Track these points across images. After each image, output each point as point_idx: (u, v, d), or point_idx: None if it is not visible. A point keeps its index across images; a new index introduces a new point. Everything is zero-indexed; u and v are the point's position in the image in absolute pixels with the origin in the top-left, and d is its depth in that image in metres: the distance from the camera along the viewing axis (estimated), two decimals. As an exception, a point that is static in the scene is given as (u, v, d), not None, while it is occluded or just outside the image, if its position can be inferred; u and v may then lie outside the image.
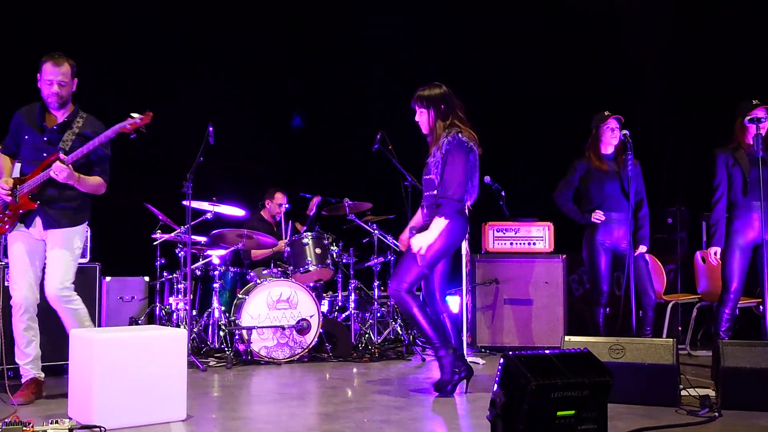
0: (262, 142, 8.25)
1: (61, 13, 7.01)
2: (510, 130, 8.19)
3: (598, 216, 5.52)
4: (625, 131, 5.29)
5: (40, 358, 4.25)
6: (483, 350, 6.30)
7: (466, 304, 5.91)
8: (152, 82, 7.57)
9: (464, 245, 5.76)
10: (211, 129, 5.53)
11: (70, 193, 4.14)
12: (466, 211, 4.50)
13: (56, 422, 3.11)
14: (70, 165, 3.95)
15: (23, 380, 4.19)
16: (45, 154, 4.08)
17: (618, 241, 5.52)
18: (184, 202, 5.58)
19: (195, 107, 7.70)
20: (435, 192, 4.32)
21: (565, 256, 6.43)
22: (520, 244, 6.53)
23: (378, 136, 6.16)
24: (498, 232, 6.56)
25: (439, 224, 4.22)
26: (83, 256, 5.11)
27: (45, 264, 4.17)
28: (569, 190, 5.74)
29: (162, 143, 7.34)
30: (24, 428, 3.00)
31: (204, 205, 6.13)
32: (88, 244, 5.16)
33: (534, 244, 6.52)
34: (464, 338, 5.84)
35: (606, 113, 5.57)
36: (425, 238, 4.22)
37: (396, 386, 4.78)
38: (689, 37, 7.80)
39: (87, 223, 4.35)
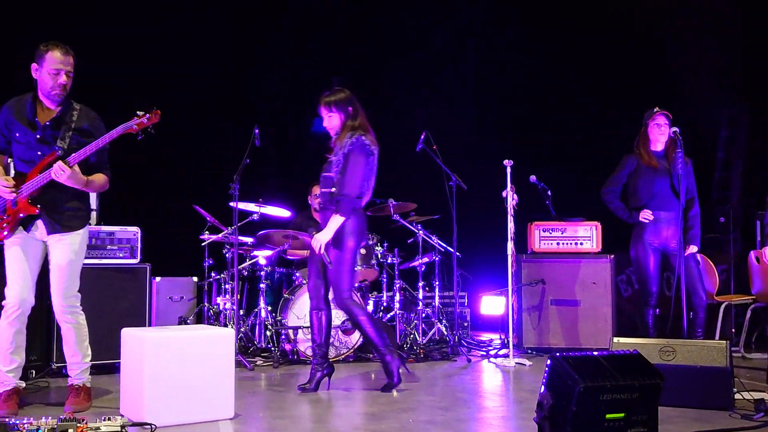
0: (307, 143, 8.29)
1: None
2: (556, 126, 8.09)
3: (646, 215, 5.42)
4: (674, 128, 5.19)
5: (22, 367, 3.93)
6: (529, 351, 6.23)
7: (512, 305, 5.86)
8: (198, 84, 7.68)
9: (510, 245, 5.72)
10: (257, 131, 5.59)
11: (73, 195, 3.89)
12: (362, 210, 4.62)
13: (108, 419, 3.17)
14: (74, 166, 3.70)
15: (2, 390, 3.82)
16: (39, 153, 3.78)
17: (667, 241, 5.41)
18: (231, 204, 5.65)
19: (240, 109, 7.80)
20: (332, 189, 4.43)
21: (613, 256, 6.33)
22: (567, 244, 6.45)
23: (422, 136, 6.17)
24: (544, 232, 6.49)
25: (336, 221, 4.37)
26: (133, 256, 5.23)
27: (44, 268, 3.93)
28: (617, 186, 5.65)
29: (210, 146, 7.47)
30: (78, 425, 3.06)
31: (251, 207, 6.21)
32: (139, 245, 5.25)
33: (581, 244, 6.43)
34: (511, 339, 5.81)
35: (655, 109, 5.47)
36: (323, 236, 4.38)
37: (441, 387, 4.77)
38: (745, 30, 7.61)
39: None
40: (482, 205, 7.26)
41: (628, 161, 5.61)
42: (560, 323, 6.30)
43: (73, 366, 4.01)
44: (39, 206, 3.77)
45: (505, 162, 5.75)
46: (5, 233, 3.79)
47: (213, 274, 6.54)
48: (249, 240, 6.48)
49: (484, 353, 6.19)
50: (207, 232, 6.35)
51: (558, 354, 2.79)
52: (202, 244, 6.34)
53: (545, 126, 8.05)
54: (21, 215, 3.78)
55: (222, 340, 3.72)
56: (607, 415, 2.73)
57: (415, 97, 8.68)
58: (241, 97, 8.05)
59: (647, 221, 5.42)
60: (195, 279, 6.57)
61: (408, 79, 8.74)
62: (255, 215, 6.27)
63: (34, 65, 3.77)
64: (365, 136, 4.48)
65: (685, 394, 3.94)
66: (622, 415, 2.75)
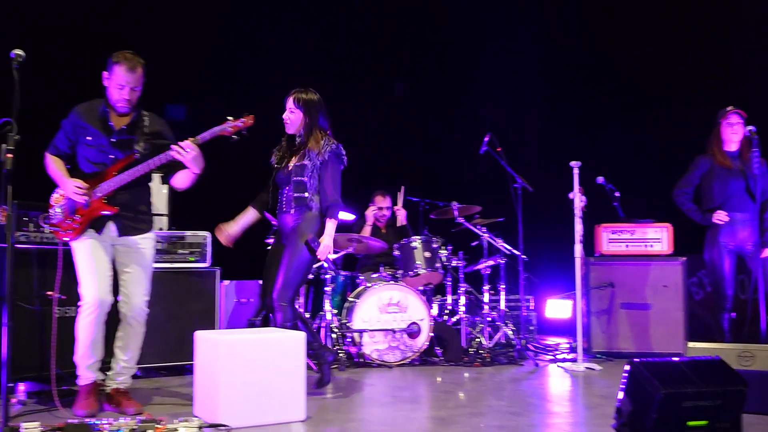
0: (370, 146, 8.33)
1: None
2: (624, 126, 7.90)
3: (720, 217, 5.27)
4: (750, 127, 5.03)
5: (100, 362, 3.97)
6: (599, 356, 6.11)
7: (581, 308, 5.75)
8: (264, 88, 7.78)
9: (578, 248, 5.62)
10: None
11: (143, 198, 4.01)
12: None
13: (185, 421, 3.24)
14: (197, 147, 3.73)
15: (82, 384, 3.90)
16: (112, 156, 3.83)
17: (743, 243, 5.25)
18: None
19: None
20: (307, 194, 4.35)
21: (685, 258, 6.15)
22: (636, 246, 6.30)
23: (486, 138, 6.13)
24: (612, 234, 6.36)
25: (333, 226, 4.41)
26: (204, 260, 5.33)
27: (117, 271, 3.97)
28: (690, 188, 5.50)
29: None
30: (157, 426, 3.13)
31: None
32: (209, 249, 5.34)
33: (651, 246, 6.28)
34: (580, 343, 5.70)
35: (728, 108, 5.31)
36: (328, 242, 4.36)
37: (510, 391, 4.71)
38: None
39: None
40: (547, 207, 7.16)
41: (701, 162, 5.46)
42: (630, 327, 6.15)
43: (127, 369, 4.05)
44: (117, 207, 3.81)
45: (572, 163, 5.66)
46: (75, 234, 3.80)
47: (279, 278, 6.61)
48: (314, 243, 6.52)
49: (552, 357, 6.10)
50: (272, 236, 6.42)
51: (637, 360, 2.72)
52: (268, 247, 6.41)
53: (613, 126, 7.87)
54: (94, 215, 3.79)
55: (294, 342, 3.76)
56: (689, 423, 2.66)
57: (479, 99, 8.62)
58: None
59: (722, 223, 5.26)
60: (261, 282, 6.65)
61: (471, 82, 8.69)
62: (320, 219, 6.32)
63: (105, 74, 3.84)
64: (341, 145, 4.53)
65: (766, 401, 3.80)
66: (704, 422, 2.67)
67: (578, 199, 5.64)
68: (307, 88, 4.47)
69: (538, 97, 8.55)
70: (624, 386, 2.71)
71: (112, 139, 3.85)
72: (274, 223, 6.21)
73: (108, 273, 3.86)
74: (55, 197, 3.88)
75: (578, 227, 5.64)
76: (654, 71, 7.89)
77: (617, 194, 6.28)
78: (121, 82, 3.77)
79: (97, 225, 3.84)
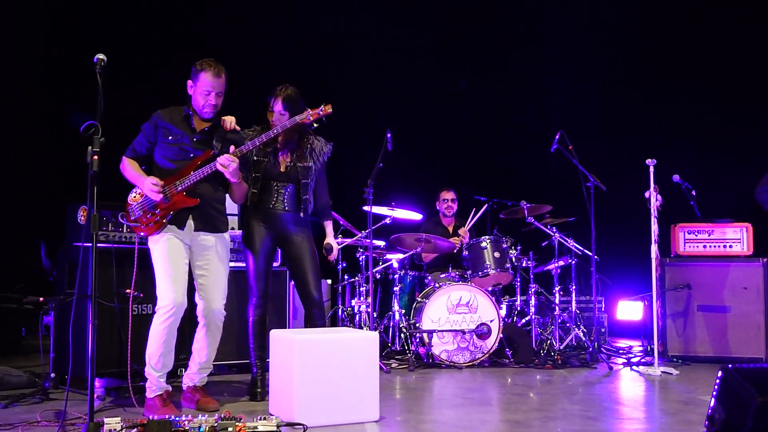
0: (437, 145, 8.29)
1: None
2: (701, 122, 7.63)
3: (805, 216, 5.03)
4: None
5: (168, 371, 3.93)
6: (675, 360, 5.92)
7: (657, 310, 5.58)
8: (330, 89, 7.83)
9: (654, 248, 5.46)
10: (389, 135, 5.60)
11: (220, 195, 4.06)
12: None
13: (264, 419, 3.25)
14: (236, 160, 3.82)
15: (152, 394, 3.84)
16: (192, 155, 3.91)
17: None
18: (365, 208, 5.70)
19: (372, 113, 7.88)
20: (307, 196, 4.40)
21: (766, 259, 5.91)
22: (714, 246, 6.09)
23: (557, 136, 6.00)
24: (689, 234, 6.16)
25: (332, 227, 4.70)
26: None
27: (193, 274, 3.98)
28: (774, 186, 5.27)
29: (343, 150, 7.58)
30: (237, 423, 3.16)
31: (383, 210, 6.25)
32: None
33: (730, 246, 6.05)
34: (656, 346, 5.54)
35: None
36: (335, 244, 4.69)
37: (584, 395, 4.60)
38: None
39: None
40: (617, 205, 6.98)
41: (785, 158, 5.23)
42: (707, 330, 5.95)
43: (204, 369, 4.08)
44: (198, 199, 3.87)
45: (648, 161, 5.50)
46: (156, 228, 3.83)
47: (346, 277, 6.64)
48: (381, 243, 6.53)
49: (625, 361, 5.94)
50: (340, 235, 6.45)
51: (730, 365, 2.61)
52: (338, 247, 6.44)
53: (689, 121, 7.61)
54: (175, 209, 3.83)
55: (367, 342, 3.75)
56: (787, 432, 2.52)
57: (547, 96, 8.48)
58: (372, 101, 8.13)
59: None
60: (329, 282, 6.69)
61: (539, 76, 8.55)
62: (387, 219, 6.31)
63: (189, 82, 3.95)
64: None
65: None
66: (803, 432, 2.53)
67: (654, 198, 5.47)
68: (289, 86, 4.34)
69: (609, 91, 8.33)
70: (716, 393, 2.59)
71: (194, 138, 3.95)
72: (342, 222, 6.25)
73: (185, 276, 3.89)
74: (133, 196, 3.96)
75: (654, 227, 5.47)
76: (735, 63, 7.58)
77: (694, 192, 6.08)
78: (207, 88, 3.87)
79: (178, 220, 3.87)
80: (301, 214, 4.38)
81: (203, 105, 3.91)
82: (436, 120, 8.51)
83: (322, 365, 3.58)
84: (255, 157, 4.34)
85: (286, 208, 4.38)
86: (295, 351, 3.55)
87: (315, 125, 4.06)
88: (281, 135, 4.26)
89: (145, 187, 3.84)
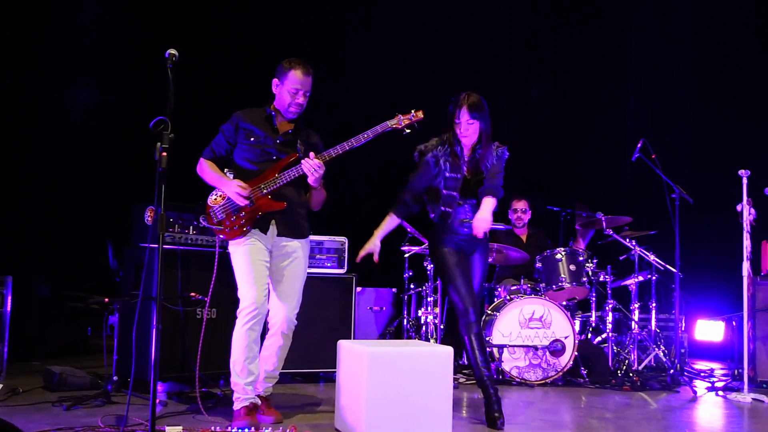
0: (508, 152, 8.01)
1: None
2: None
3: None
4: None
5: (257, 380, 3.80)
6: (766, 386, 5.50)
7: (747, 332, 5.20)
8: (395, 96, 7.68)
9: (746, 265, 5.09)
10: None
11: (304, 199, 3.92)
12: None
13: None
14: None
15: (238, 405, 3.69)
16: (275, 158, 3.80)
17: None
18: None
19: (438, 120, 7.67)
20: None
21: None
22: (810, 265, 5.65)
23: (639, 144, 5.69)
24: (782, 251, 5.74)
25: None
26: (341, 266, 5.22)
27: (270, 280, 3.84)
28: None
29: (410, 155, 7.40)
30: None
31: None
32: (346, 255, 5.23)
33: (827, 266, 5.61)
34: (746, 371, 5.15)
35: None
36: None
37: (670, 422, 4.27)
38: None
39: None
40: (699, 219, 6.59)
41: None
42: (801, 356, 5.52)
43: (270, 378, 3.91)
44: (285, 203, 3.74)
45: (741, 172, 5.14)
46: (239, 233, 3.72)
47: (412, 286, 6.44)
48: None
49: (710, 385, 5.55)
50: (407, 243, 6.25)
51: None
52: (404, 256, 6.25)
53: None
54: (261, 213, 3.73)
55: (441, 357, 3.52)
56: None
57: (626, 101, 8.10)
58: (439, 107, 7.92)
59: None
60: (395, 290, 6.50)
61: (618, 82, 8.18)
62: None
63: (275, 80, 3.83)
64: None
65: None
66: None
67: (747, 212, 5.11)
68: (471, 93, 4.08)
69: (693, 98, 7.90)
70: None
71: (277, 140, 3.83)
72: (409, 230, 6.05)
73: (266, 279, 3.77)
74: (213, 198, 3.84)
75: (746, 242, 5.11)
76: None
77: (787, 206, 5.66)
78: (296, 87, 3.76)
79: (261, 224, 3.76)
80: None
81: (290, 104, 3.80)
82: (506, 126, 8.25)
83: (393, 379, 3.37)
84: (449, 175, 4.01)
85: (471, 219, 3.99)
86: (366, 363, 3.35)
87: (407, 130, 3.83)
88: (465, 147, 4.02)
89: (231, 190, 3.71)
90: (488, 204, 3.89)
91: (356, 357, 3.48)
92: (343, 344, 3.72)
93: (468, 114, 3.97)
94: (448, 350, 3.58)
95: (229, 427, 3.10)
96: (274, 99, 3.88)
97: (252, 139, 3.81)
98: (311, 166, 3.66)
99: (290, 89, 3.77)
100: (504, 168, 4.09)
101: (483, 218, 3.85)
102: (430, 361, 3.49)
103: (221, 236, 3.79)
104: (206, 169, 3.87)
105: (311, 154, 3.71)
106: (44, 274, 6.21)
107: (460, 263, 4.02)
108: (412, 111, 3.84)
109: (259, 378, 3.84)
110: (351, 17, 7.58)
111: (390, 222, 4.18)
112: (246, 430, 3.10)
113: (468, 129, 3.98)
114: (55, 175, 6.29)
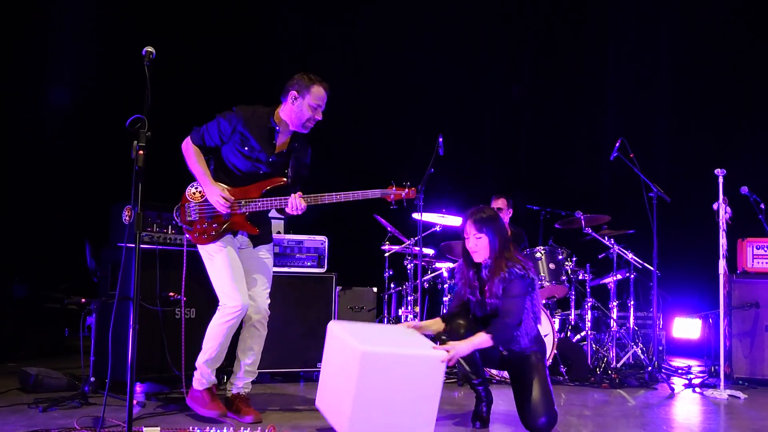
0: (488, 152, 8.06)
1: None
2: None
3: None
4: None
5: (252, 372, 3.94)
6: (741, 382, 5.57)
7: (724, 329, 5.26)
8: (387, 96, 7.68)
9: (722, 263, 5.15)
10: (441, 140, 5.39)
11: (266, 211, 3.96)
12: None
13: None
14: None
15: (201, 387, 3.83)
16: (262, 173, 3.80)
17: None
18: (414, 215, 5.49)
19: (422, 118, 7.70)
20: None
21: (842, 278, 5.54)
22: (785, 263, 5.73)
23: (617, 144, 5.72)
24: (758, 249, 5.81)
25: None
26: (321, 266, 5.20)
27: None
28: None
29: (392, 154, 7.41)
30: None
31: (433, 218, 6.03)
32: (326, 254, 5.22)
33: (802, 263, 5.69)
34: (722, 368, 5.21)
35: None
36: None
37: (647, 419, 4.30)
38: None
39: None
40: (676, 218, 6.66)
41: None
42: (776, 352, 5.59)
43: (249, 373, 3.93)
44: (258, 229, 3.81)
45: (717, 171, 5.20)
46: (208, 241, 3.75)
47: (393, 286, 6.44)
48: (430, 251, 6.32)
49: (687, 382, 5.60)
50: (387, 242, 6.26)
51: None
52: (384, 255, 6.25)
53: (758, 130, 7.23)
54: (234, 229, 3.77)
55: (433, 363, 3.40)
56: None
57: (605, 101, 8.17)
58: (423, 106, 7.95)
59: None
60: (375, 289, 6.50)
61: (597, 82, 8.24)
62: (437, 227, 6.09)
63: (293, 92, 3.74)
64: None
65: None
66: None
67: (723, 210, 5.16)
68: (482, 207, 3.91)
69: (670, 98, 7.97)
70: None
71: (270, 159, 3.80)
72: (390, 229, 6.05)
73: (244, 279, 3.82)
74: (192, 192, 3.80)
75: (722, 241, 5.17)
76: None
77: (762, 206, 5.73)
78: (318, 102, 3.74)
79: (233, 231, 3.82)
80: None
81: (309, 118, 3.76)
82: (487, 126, 8.28)
83: (384, 381, 3.28)
84: (472, 298, 3.86)
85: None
86: (359, 363, 3.22)
87: (394, 206, 3.78)
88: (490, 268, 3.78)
89: (213, 197, 3.71)
90: (477, 339, 3.62)
91: (349, 352, 3.32)
92: (334, 329, 3.59)
93: (474, 228, 3.79)
94: (440, 354, 3.47)
95: (216, 417, 3.05)
96: (279, 106, 3.80)
97: (246, 148, 3.76)
98: (295, 205, 3.68)
99: (312, 104, 3.72)
100: (519, 294, 3.73)
101: (460, 347, 3.57)
102: (423, 366, 3.39)
103: (188, 236, 3.80)
104: (193, 156, 3.80)
105: (299, 193, 3.69)
106: (21, 274, 6.14)
107: None
108: (406, 189, 3.79)
109: (239, 373, 3.88)
110: (332, 12, 7.56)
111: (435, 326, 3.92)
112: (225, 429, 3.08)
113: (476, 244, 3.80)
114: (32, 175, 6.22)
